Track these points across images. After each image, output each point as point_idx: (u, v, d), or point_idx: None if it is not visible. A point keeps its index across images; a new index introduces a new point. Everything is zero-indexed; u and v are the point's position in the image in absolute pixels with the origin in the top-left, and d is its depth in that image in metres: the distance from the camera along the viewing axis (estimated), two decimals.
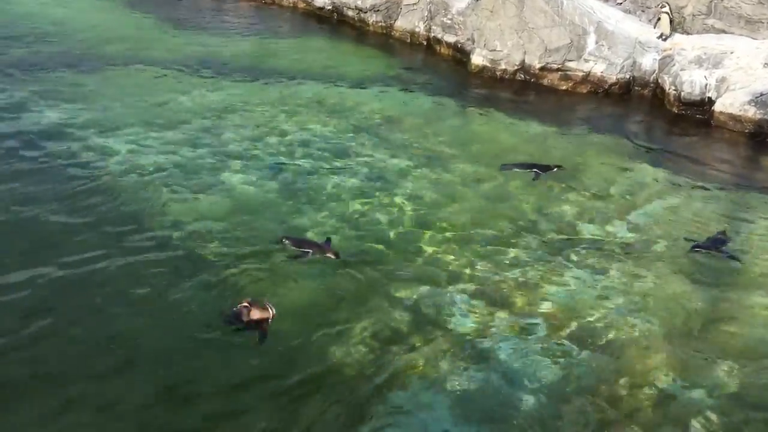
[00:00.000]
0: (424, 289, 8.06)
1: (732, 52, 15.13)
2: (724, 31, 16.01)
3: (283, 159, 11.32)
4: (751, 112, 14.02)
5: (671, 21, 16.17)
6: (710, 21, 16.32)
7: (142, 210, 9.17)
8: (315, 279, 8.06)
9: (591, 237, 9.68)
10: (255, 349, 6.84)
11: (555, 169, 11.44)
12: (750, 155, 13.41)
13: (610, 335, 7.57)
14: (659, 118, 15.16)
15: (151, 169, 10.31)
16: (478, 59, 17.21)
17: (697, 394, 6.84)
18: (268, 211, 9.62)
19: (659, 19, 16.32)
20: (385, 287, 8.01)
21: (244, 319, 7.00)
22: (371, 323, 7.37)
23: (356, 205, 10.03)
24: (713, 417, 6.53)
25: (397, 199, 10.29)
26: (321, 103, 14.25)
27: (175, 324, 7.13)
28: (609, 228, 9.97)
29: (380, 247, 8.93)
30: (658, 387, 6.86)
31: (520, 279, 8.48)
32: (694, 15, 16.52)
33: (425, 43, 19.19)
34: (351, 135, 12.70)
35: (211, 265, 8.11)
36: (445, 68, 17.83)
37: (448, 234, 9.39)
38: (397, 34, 19.80)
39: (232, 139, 11.87)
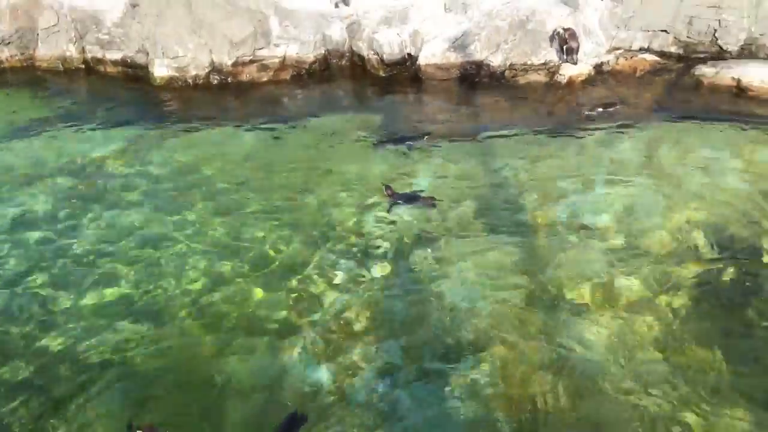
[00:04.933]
0: None
1: (413, 5, 14.96)
2: None
3: None
4: (453, 58, 14.03)
5: None
6: None
7: None
8: None
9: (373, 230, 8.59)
10: None
11: (425, 138, 11.23)
12: (466, 100, 13.34)
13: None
14: (370, 84, 14.46)
15: None
16: (161, 71, 14.66)
17: None
18: None
19: None
20: None
21: None
22: None
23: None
24: None
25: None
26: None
27: None
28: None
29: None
30: None
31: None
32: None
33: (83, 67, 15.81)
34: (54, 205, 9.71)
35: None
36: (121, 90, 14.83)
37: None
38: (45, 65, 16.11)
39: None
